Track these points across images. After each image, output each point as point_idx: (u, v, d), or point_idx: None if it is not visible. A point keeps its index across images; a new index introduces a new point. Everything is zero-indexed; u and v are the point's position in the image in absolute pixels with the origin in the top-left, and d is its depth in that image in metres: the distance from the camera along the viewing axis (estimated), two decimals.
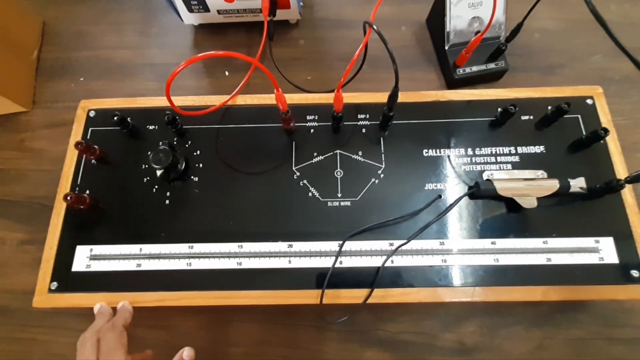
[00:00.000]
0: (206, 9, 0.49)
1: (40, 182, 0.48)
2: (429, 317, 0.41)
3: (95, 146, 0.38)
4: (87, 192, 0.37)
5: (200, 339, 0.41)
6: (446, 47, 0.48)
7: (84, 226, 0.36)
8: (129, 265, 0.35)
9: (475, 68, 0.47)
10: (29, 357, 0.41)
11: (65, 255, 0.35)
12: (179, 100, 0.42)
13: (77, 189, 0.38)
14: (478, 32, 0.47)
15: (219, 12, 0.50)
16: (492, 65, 0.47)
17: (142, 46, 0.54)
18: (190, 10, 0.50)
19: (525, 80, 0.49)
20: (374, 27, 0.31)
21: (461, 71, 0.47)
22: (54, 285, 0.34)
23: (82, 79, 0.53)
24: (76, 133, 0.40)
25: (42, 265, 0.35)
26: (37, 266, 0.44)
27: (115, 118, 0.37)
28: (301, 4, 0.51)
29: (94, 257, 0.35)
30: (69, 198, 0.34)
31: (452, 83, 0.48)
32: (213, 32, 0.54)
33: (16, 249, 0.45)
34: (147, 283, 0.34)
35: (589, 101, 0.39)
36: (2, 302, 0.43)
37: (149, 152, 0.36)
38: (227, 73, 0.52)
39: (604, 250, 0.34)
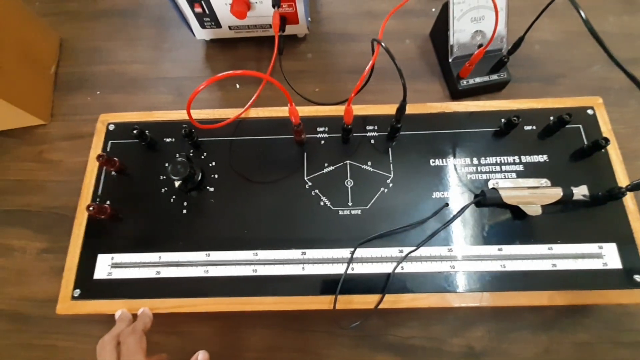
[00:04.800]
0: (218, 25, 0.52)
1: (58, 193, 0.49)
2: (438, 322, 0.42)
3: (115, 158, 0.39)
4: (108, 202, 0.39)
5: (214, 344, 0.42)
6: (450, 60, 0.49)
7: (104, 235, 0.38)
8: (149, 273, 0.36)
9: (478, 79, 0.49)
10: None
11: (87, 264, 0.37)
12: (194, 114, 0.43)
13: (97, 199, 0.39)
14: (480, 45, 0.48)
15: (230, 27, 0.52)
16: (494, 77, 0.49)
17: (156, 61, 0.56)
18: (203, 26, 0.52)
19: (527, 91, 0.51)
20: (382, 44, 0.32)
21: (465, 82, 0.49)
22: (77, 292, 0.36)
23: (98, 92, 0.55)
24: (96, 146, 0.41)
25: (64, 274, 0.37)
26: (55, 274, 0.46)
27: (135, 131, 0.39)
28: (309, 19, 0.53)
29: (115, 265, 0.36)
30: (91, 208, 0.36)
31: (456, 94, 0.50)
32: (223, 47, 0.57)
33: (35, 258, 0.47)
34: (166, 290, 0.36)
35: (589, 111, 0.41)
36: (22, 309, 0.44)
37: (167, 164, 0.37)
38: (237, 86, 0.54)
39: (608, 256, 0.35)
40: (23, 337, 0.43)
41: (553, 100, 0.41)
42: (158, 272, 0.36)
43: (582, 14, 0.27)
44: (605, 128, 0.40)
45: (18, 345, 0.43)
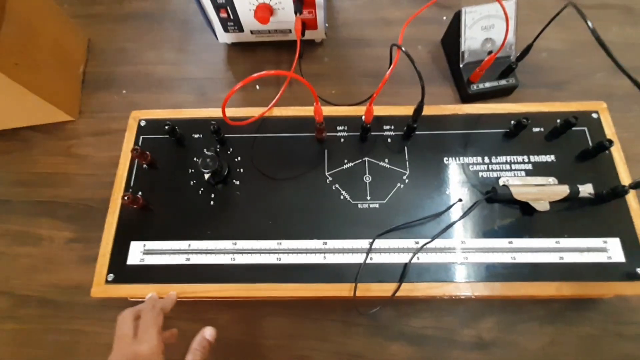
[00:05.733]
0: (240, 29, 0.54)
1: (85, 185, 0.52)
2: (449, 313, 0.44)
3: (147, 152, 0.42)
4: (140, 193, 0.41)
5: (234, 331, 0.44)
6: (461, 65, 0.52)
7: (136, 224, 0.40)
8: (179, 259, 0.38)
9: (488, 84, 0.51)
10: (77, 347, 0.44)
11: (120, 250, 0.39)
12: (218, 112, 0.46)
13: (130, 190, 0.42)
14: (490, 51, 0.51)
15: (252, 32, 0.55)
16: (503, 82, 0.52)
17: (180, 62, 0.59)
18: (226, 30, 0.55)
19: (534, 96, 0.54)
20: (403, 49, 0.35)
21: (475, 87, 0.51)
22: (111, 277, 0.38)
23: (124, 91, 0.57)
24: (129, 140, 0.44)
25: (99, 259, 0.39)
26: (82, 263, 0.48)
27: (167, 127, 0.41)
28: (326, 25, 0.56)
29: (147, 252, 0.39)
30: (126, 198, 0.38)
31: (467, 97, 0.52)
32: (244, 50, 0.59)
33: (63, 247, 0.49)
34: (195, 275, 0.38)
35: (594, 115, 0.43)
36: (50, 295, 0.47)
37: (197, 158, 0.40)
38: (257, 87, 0.56)
39: (612, 250, 0.37)
40: (51, 322, 0.45)
41: (560, 104, 0.44)
42: (188, 259, 0.38)
43: (590, 24, 0.30)
44: (609, 131, 0.42)
45: (47, 330, 0.45)
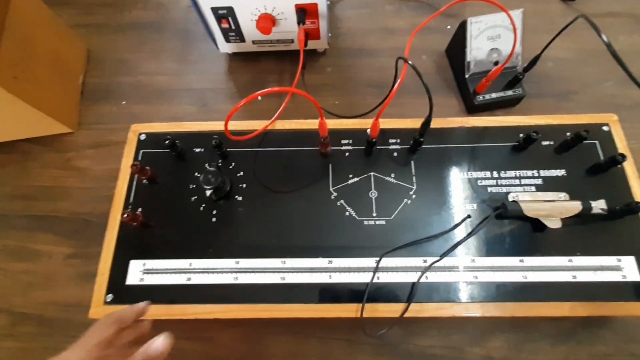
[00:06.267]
0: (242, 40, 0.54)
1: (84, 199, 0.51)
2: (457, 331, 0.42)
3: (147, 167, 0.41)
4: (139, 210, 0.40)
5: (237, 350, 0.43)
6: (467, 76, 0.51)
7: (136, 242, 0.39)
8: (180, 279, 0.37)
9: (494, 95, 0.51)
10: None
11: (119, 269, 0.38)
12: (220, 125, 0.46)
13: (129, 207, 0.40)
14: (497, 62, 0.50)
15: (253, 42, 0.54)
16: (509, 92, 0.51)
17: (180, 72, 0.58)
18: (228, 40, 0.54)
19: (541, 106, 0.53)
20: (409, 62, 0.34)
21: (481, 98, 0.51)
22: (110, 297, 0.37)
23: (124, 102, 0.56)
24: (128, 155, 0.43)
25: (97, 278, 0.38)
26: (81, 279, 0.47)
27: (167, 142, 0.40)
28: (329, 34, 0.55)
29: (147, 271, 0.38)
30: (125, 216, 0.37)
31: (472, 108, 0.51)
32: (246, 60, 0.58)
33: (62, 263, 0.48)
34: (197, 296, 0.37)
35: (605, 128, 0.42)
36: (48, 313, 0.45)
37: (198, 174, 0.39)
38: (259, 98, 0.55)
39: (626, 269, 0.36)
40: (49, 341, 0.44)
41: (569, 116, 0.43)
42: (189, 279, 0.37)
43: (604, 38, 0.29)
44: (621, 144, 0.41)
45: (45, 349, 0.44)
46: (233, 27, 0.51)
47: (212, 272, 0.37)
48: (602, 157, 0.40)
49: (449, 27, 0.58)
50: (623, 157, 0.38)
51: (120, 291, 0.37)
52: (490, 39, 0.49)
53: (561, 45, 0.56)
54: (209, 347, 0.43)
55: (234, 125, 0.45)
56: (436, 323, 0.43)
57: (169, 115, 0.55)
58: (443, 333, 0.42)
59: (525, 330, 0.42)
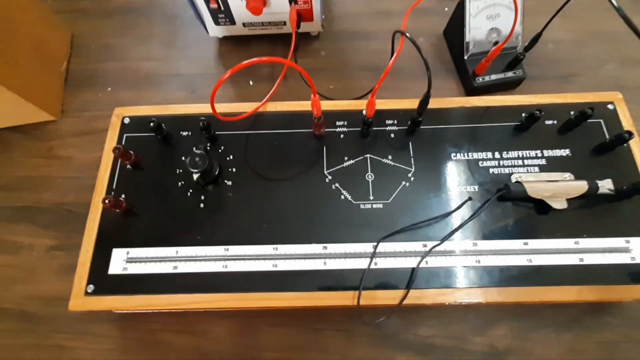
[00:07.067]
0: (232, 22, 0.51)
1: (68, 189, 0.48)
2: (459, 320, 0.41)
3: (131, 151, 0.39)
4: (123, 196, 0.38)
5: (229, 343, 0.41)
6: (465, 57, 0.49)
7: (119, 230, 0.37)
8: (166, 268, 0.35)
9: (494, 76, 0.49)
10: None
11: (101, 258, 0.36)
12: (208, 108, 0.43)
13: (112, 193, 0.38)
14: (496, 42, 0.48)
15: (244, 24, 0.52)
16: (510, 74, 0.49)
17: (168, 58, 0.56)
18: (217, 23, 0.52)
19: (542, 88, 0.51)
20: (407, 34, 0.32)
21: (480, 79, 0.49)
22: (91, 288, 0.35)
23: (109, 89, 0.54)
24: (111, 139, 0.41)
25: (77, 268, 0.36)
26: (65, 272, 0.45)
27: (152, 124, 0.38)
28: (323, 16, 0.53)
29: (130, 260, 0.35)
30: (107, 201, 0.35)
31: (472, 91, 0.50)
32: (237, 44, 0.56)
33: (44, 255, 0.45)
34: (184, 285, 0.34)
35: (609, 106, 0.40)
36: (30, 308, 0.43)
37: (185, 157, 0.37)
38: (251, 83, 0.53)
39: (635, 250, 0.34)
40: (31, 337, 0.42)
41: (573, 95, 0.41)
42: (175, 267, 0.35)
43: (614, 2, 0.27)
44: (627, 123, 0.40)
45: (26, 345, 0.41)
46: (222, 7, 0.49)
47: (200, 260, 0.35)
48: (607, 136, 0.39)
49: (446, 8, 0.56)
50: (630, 134, 0.36)
51: (102, 281, 0.35)
52: (490, 17, 0.47)
53: (561, 26, 0.55)
54: (200, 341, 0.41)
55: (224, 107, 0.43)
56: (437, 312, 0.41)
57: (156, 101, 0.53)
58: (444, 322, 0.41)
59: (529, 318, 0.40)
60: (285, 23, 0.51)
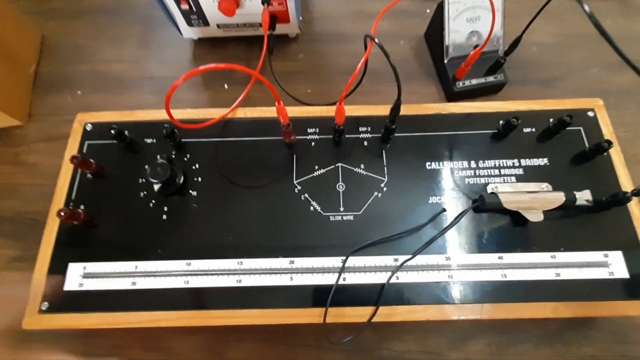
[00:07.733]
0: (206, 23, 0.50)
1: (33, 197, 0.46)
2: (435, 335, 0.39)
3: (92, 160, 0.37)
4: (82, 207, 0.36)
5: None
6: (445, 61, 0.48)
7: (77, 243, 0.35)
8: (124, 284, 0.33)
9: (474, 81, 0.47)
10: None
11: (57, 274, 0.34)
12: (178, 113, 0.42)
13: (71, 204, 0.37)
14: (477, 45, 0.47)
15: (218, 26, 0.50)
16: (491, 78, 0.48)
17: (141, 60, 0.54)
18: (190, 24, 0.50)
19: (524, 93, 0.50)
20: (376, 40, 0.30)
21: (461, 84, 0.47)
22: (45, 305, 0.33)
23: (79, 92, 0.52)
24: (72, 147, 0.39)
25: (32, 284, 0.34)
26: (28, 285, 0.42)
27: (112, 131, 0.36)
28: (300, 18, 0.52)
29: (87, 275, 0.34)
30: (62, 214, 0.33)
31: (452, 96, 0.48)
32: (212, 46, 0.55)
33: (6, 266, 0.43)
34: (143, 302, 0.33)
35: (590, 113, 0.39)
36: None
37: (146, 166, 0.35)
38: (226, 86, 0.52)
39: (614, 265, 0.33)
40: None
41: (552, 102, 0.40)
42: (134, 283, 0.33)
43: (586, 8, 0.25)
44: (607, 130, 0.38)
45: None
46: (194, 8, 0.47)
47: (160, 276, 0.33)
48: (587, 145, 0.38)
49: (428, 10, 0.55)
50: (609, 143, 0.35)
51: (57, 298, 0.33)
52: (470, 20, 0.46)
53: (545, 29, 0.53)
54: (166, 356, 0.39)
55: (192, 114, 0.41)
56: (412, 326, 0.40)
57: (128, 105, 0.51)
58: (420, 337, 0.39)
59: (507, 333, 0.39)
60: (260, 24, 0.50)
